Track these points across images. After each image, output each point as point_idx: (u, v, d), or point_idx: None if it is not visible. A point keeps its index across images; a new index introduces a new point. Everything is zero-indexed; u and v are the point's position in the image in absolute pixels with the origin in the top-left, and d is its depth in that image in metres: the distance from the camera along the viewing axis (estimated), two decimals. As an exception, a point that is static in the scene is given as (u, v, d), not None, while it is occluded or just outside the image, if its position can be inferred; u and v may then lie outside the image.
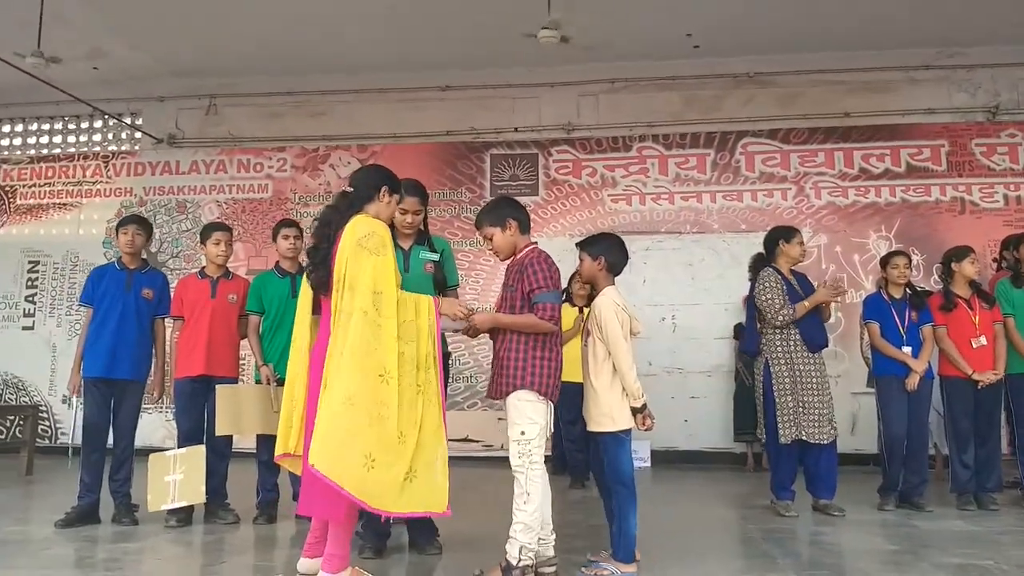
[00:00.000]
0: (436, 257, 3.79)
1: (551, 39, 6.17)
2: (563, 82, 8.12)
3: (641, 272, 7.79)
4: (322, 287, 3.10)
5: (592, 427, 3.30)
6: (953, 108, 7.81)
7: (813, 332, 4.77)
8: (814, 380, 4.72)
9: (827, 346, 4.84)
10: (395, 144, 8.36)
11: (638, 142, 8.05)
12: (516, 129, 8.23)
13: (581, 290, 6.14)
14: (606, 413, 3.25)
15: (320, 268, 3.10)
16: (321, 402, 2.89)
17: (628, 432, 3.27)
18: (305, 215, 8.12)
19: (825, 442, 4.70)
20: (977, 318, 4.95)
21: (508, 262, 3.38)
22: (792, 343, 4.77)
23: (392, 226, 3.75)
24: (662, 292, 7.72)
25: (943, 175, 7.67)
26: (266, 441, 4.57)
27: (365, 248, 2.97)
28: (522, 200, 8.06)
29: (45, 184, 8.79)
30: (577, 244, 3.53)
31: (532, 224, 7.73)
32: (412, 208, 3.69)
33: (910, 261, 5.13)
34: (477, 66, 8.04)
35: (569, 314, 6.12)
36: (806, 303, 4.74)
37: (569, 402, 6.02)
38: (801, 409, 4.70)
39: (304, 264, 3.43)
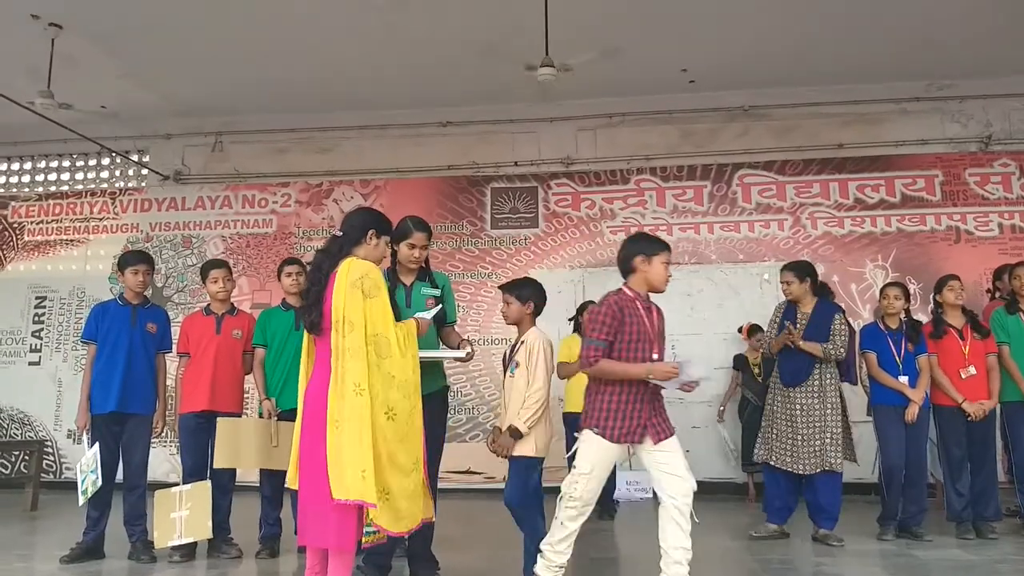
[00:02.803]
0: (437, 293, 3.89)
1: (549, 77, 6.31)
2: (562, 117, 8.27)
3: (641, 303, 7.86)
4: (315, 328, 3.19)
5: (514, 451, 3.46)
6: (946, 139, 7.92)
7: (785, 368, 4.96)
8: (785, 414, 4.90)
9: (801, 382, 4.88)
10: (397, 179, 8.49)
11: (636, 175, 8.18)
12: (516, 163, 8.36)
13: None
14: (528, 440, 3.42)
15: (313, 310, 3.18)
16: (330, 436, 2.98)
17: (541, 460, 3.48)
18: (309, 249, 8.23)
19: (801, 472, 4.79)
20: (967, 348, 5.00)
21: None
22: (777, 375, 5.03)
23: (394, 263, 3.87)
24: (662, 322, 7.78)
25: (938, 204, 7.76)
26: (268, 475, 4.64)
27: (359, 290, 3.07)
28: (522, 233, 8.31)
29: (53, 221, 8.93)
30: (502, 287, 3.72)
31: (532, 256, 7.88)
32: (420, 243, 3.82)
33: (903, 292, 5.19)
34: (477, 102, 8.19)
35: (578, 344, 6.19)
36: (772, 343, 5.03)
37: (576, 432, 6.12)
38: (773, 436, 4.95)
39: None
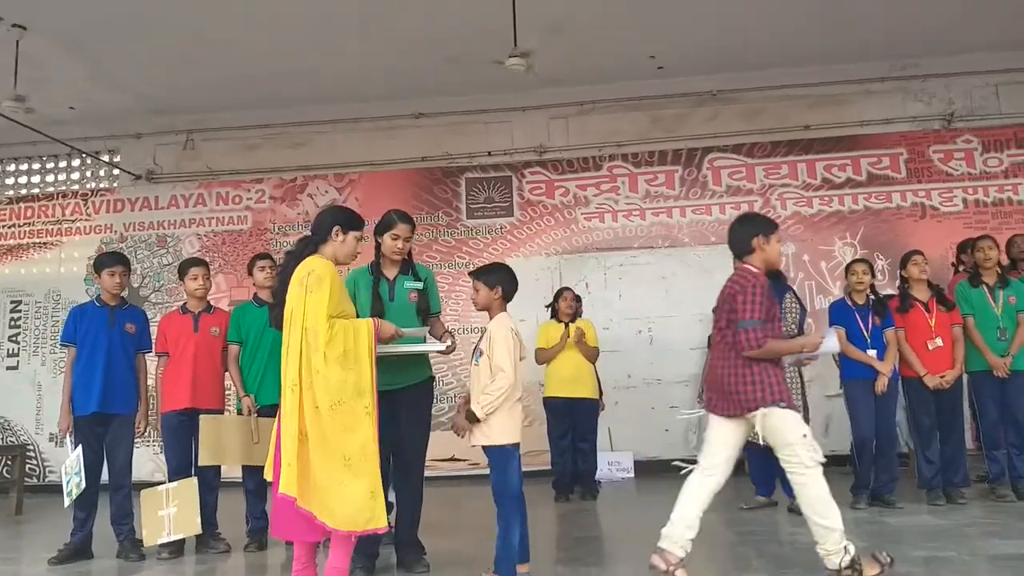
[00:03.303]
0: (420, 286, 3.97)
1: (519, 67, 6.36)
2: (534, 106, 8.33)
3: (616, 287, 7.98)
4: (279, 324, 3.32)
5: (479, 441, 3.42)
6: (909, 117, 8.08)
7: None
8: None
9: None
10: (371, 171, 8.52)
11: (608, 161, 8.27)
12: (489, 153, 8.41)
13: (568, 308, 6.33)
14: (494, 427, 3.38)
15: (276, 307, 3.35)
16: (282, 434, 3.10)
17: (516, 446, 3.41)
18: (285, 244, 8.24)
19: (761, 443, 4.91)
20: (933, 320, 5.16)
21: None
22: None
23: (378, 256, 3.93)
24: (637, 306, 7.91)
25: (903, 182, 7.93)
26: (251, 470, 4.69)
27: (305, 288, 3.18)
28: (497, 222, 8.37)
29: (25, 224, 8.86)
30: (471, 274, 3.69)
31: (508, 245, 7.94)
32: (404, 235, 3.90)
33: (870, 268, 5.34)
34: (449, 93, 8.22)
35: (556, 330, 6.30)
36: None
37: (561, 417, 6.24)
38: None
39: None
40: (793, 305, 5.10)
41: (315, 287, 3.16)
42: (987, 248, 5.30)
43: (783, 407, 3.32)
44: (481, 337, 3.55)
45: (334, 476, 3.04)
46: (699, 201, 8.09)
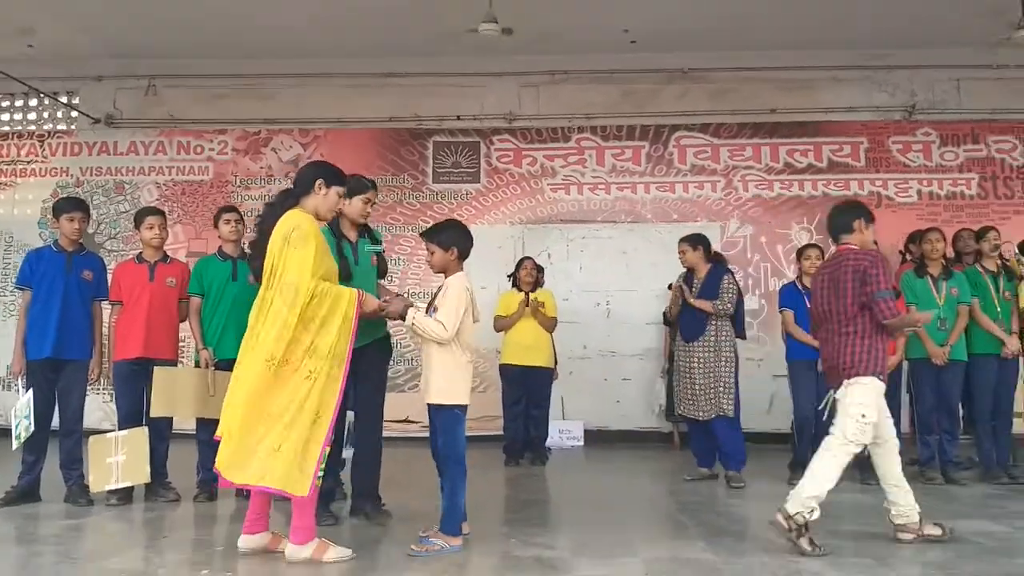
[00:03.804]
0: (381, 249, 4.03)
1: (492, 32, 6.33)
2: (505, 72, 8.27)
3: (578, 259, 8.06)
4: (259, 277, 3.32)
5: (431, 399, 3.47)
6: (873, 107, 8.23)
7: (684, 325, 5.47)
8: (685, 365, 5.38)
9: (697, 337, 5.33)
10: (338, 129, 8.42)
11: (577, 133, 8.29)
12: (459, 117, 8.36)
13: (528, 276, 6.40)
14: (444, 387, 3.43)
15: (256, 260, 3.34)
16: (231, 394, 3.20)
17: (464, 409, 3.47)
18: (246, 198, 8.16)
19: (702, 418, 5.25)
20: (879, 307, 5.33)
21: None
22: (676, 335, 5.58)
23: (338, 218, 3.92)
24: (597, 279, 8.00)
25: (862, 170, 8.10)
26: (205, 422, 4.69)
27: (288, 243, 3.17)
28: (463, 188, 8.38)
29: (-23, 162, 8.61)
30: (422, 235, 3.67)
31: (473, 211, 7.95)
32: (373, 199, 4.03)
33: (822, 253, 5.50)
34: (421, 54, 8.12)
35: (515, 299, 6.38)
36: (672, 306, 5.67)
37: (515, 384, 6.36)
38: (678, 390, 5.49)
39: (247, 253, 3.63)
40: (730, 286, 5.33)
41: (299, 243, 3.16)
42: (934, 240, 5.47)
43: (880, 379, 3.61)
44: (436, 293, 3.57)
45: (271, 435, 3.10)
46: (664, 178, 8.18)
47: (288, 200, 3.36)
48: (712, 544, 3.57)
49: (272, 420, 3.11)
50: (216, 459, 3.19)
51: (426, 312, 3.51)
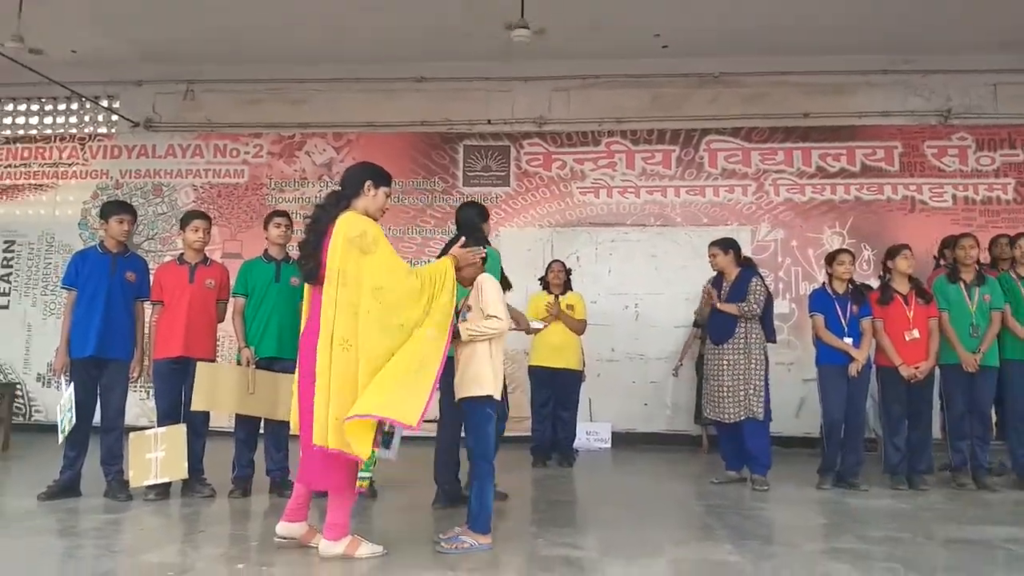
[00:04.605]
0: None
1: (524, 38, 6.39)
2: (536, 76, 8.33)
3: (607, 262, 8.08)
4: (311, 278, 3.37)
5: (463, 393, 3.51)
6: (907, 111, 8.15)
7: (713, 327, 5.47)
8: (715, 368, 5.39)
9: (727, 339, 5.33)
10: (370, 133, 8.54)
11: (607, 137, 8.32)
12: (489, 121, 8.44)
13: (556, 279, 6.46)
14: (474, 379, 3.47)
15: (310, 260, 3.35)
16: (318, 385, 3.18)
17: (494, 405, 3.51)
18: (280, 201, 8.32)
19: (730, 421, 5.23)
20: (912, 313, 5.30)
21: None
22: (708, 336, 5.56)
23: None
24: (626, 282, 8.02)
25: (895, 175, 8.03)
26: (243, 420, 4.82)
27: (356, 247, 3.22)
28: (493, 191, 8.45)
29: (21, 165, 8.86)
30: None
31: (502, 214, 8.04)
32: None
33: (853, 258, 5.50)
34: (452, 58, 8.21)
35: (544, 300, 6.43)
36: (702, 310, 5.69)
37: (543, 385, 6.41)
38: (707, 392, 5.49)
39: (295, 256, 3.71)
40: (757, 288, 5.33)
41: (372, 247, 3.24)
42: (968, 247, 5.42)
43: None
44: (466, 297, 3.64)
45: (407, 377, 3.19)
46: (694, 182, 8.18)
47: (341, 202, 3.42)
48: (738, 547, 3.58)
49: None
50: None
51: (458, 315, 3.57)
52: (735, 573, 3.19)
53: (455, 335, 3.46)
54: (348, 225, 3.28)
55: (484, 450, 3.49)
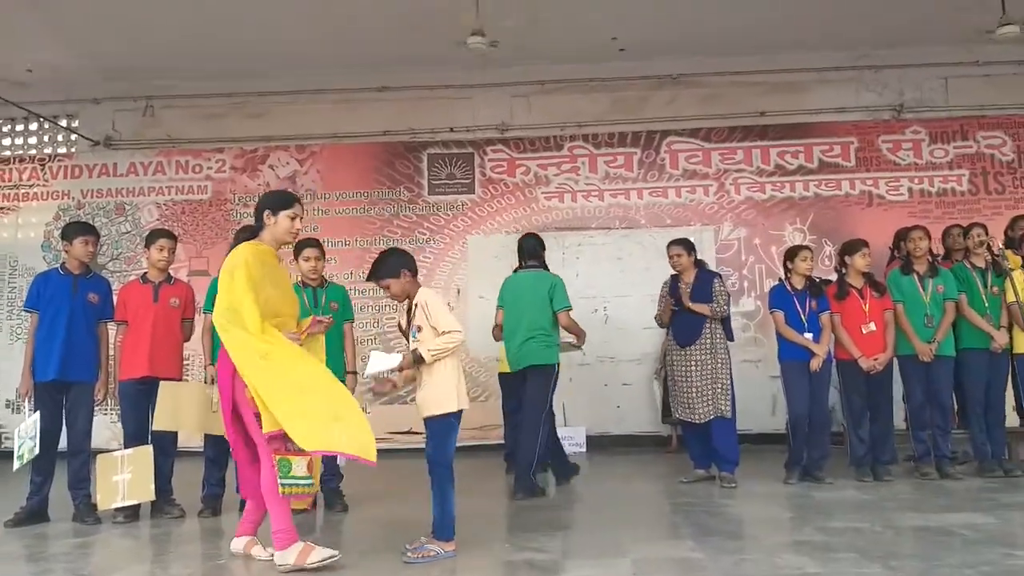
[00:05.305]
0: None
1: (480, 45, 6.44)
2: (496, 83, 8.39)
3: (574, 266, 8.14)
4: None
5: (427, 412, 3.55)
6: (861, 107, 8.32)
7: (680, 330, 5.53)
8: (683, 369, 5.46)
9: (694, 340, 5.40)
10: (334, 144, 8.54)
11: (569, 142, 8.40)
12: (452, 129, 8.48)
13: None
14: (439, 399, 3.52)
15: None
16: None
17: (458, 416, 3.56)
18: (245, 216, 8.26)
19: (699, 421, 5.30)
20: (867, 306, 5.41)
21: None
22: (672, 338, 5.59)
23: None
24: (593, 285, 8.09)
25: (852, 170, 8.19)
26: (213, 439, 4.79)
27: (225, 271, 3.46)
28: (459, 199, 8.46)
29: (-20, 188, 8.75)
30: (369, 279, 3.72)
31: (470, 222, 8.11)
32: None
33: (812, 254, 5.63)
34: (413, 67, 8.24)
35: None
36: (662, 312, 5.67)
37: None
38: (675, 393, 5.55)
39: None
40: (722, 289, 5.48)
41: (233, 272, 3.42)
42: (918, 239, 5.55)
43: None
44: (410, 314, 3.65)
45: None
46: (656, 184, 8.28)
47: (242, 235, 3.73)
48: (701, 543, 3.65)
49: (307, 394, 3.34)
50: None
51: (408, 337, 3.60)
52: (695, 568, 3.26)
53: (419, 359, 3.48)
54: (228, 258, 3.50)
55: (443, 457, 3.53)
